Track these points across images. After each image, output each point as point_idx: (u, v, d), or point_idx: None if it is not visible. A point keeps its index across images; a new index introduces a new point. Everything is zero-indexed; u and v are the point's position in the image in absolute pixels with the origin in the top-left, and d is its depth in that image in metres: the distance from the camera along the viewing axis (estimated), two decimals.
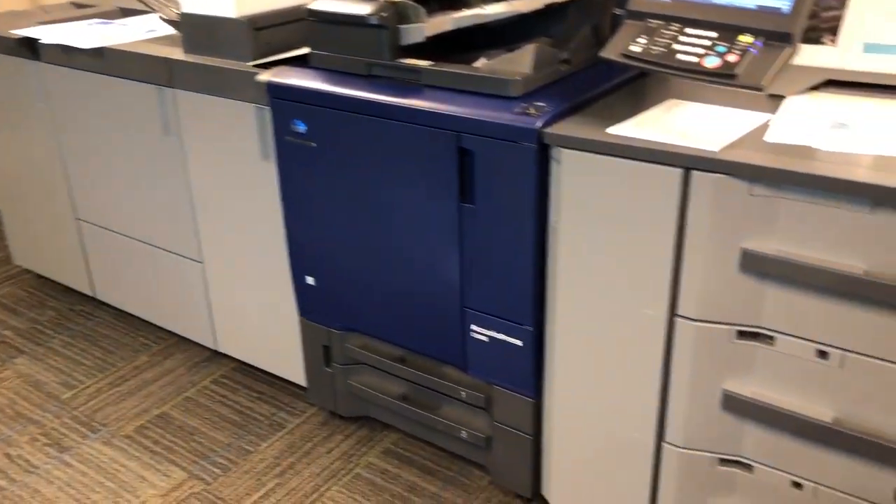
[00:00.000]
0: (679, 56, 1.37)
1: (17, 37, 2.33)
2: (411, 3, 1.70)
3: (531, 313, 1.64)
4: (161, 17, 2.17)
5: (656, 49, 1.40)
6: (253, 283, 2.18)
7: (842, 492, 1.39)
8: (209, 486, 1.98)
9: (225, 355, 2.43)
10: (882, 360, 1.28)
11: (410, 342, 1.89)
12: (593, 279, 1.52)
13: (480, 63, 1.70)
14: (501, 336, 1.70)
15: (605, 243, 1.48)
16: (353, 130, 1.73)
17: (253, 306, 2.21)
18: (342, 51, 1.76)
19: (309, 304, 2.04)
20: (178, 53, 2.07)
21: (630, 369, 1.53)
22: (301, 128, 1.81)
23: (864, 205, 1.22)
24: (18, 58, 2.43)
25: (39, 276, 2.96)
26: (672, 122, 1.45)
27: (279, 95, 1.82)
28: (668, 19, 1.42)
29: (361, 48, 1.72)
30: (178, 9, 2.19)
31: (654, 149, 1.35)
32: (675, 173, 1.35)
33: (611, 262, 1.48)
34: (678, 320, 1.44)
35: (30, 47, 2.36)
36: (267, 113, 1.89)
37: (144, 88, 2.14)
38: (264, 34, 1.95)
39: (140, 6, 2.73)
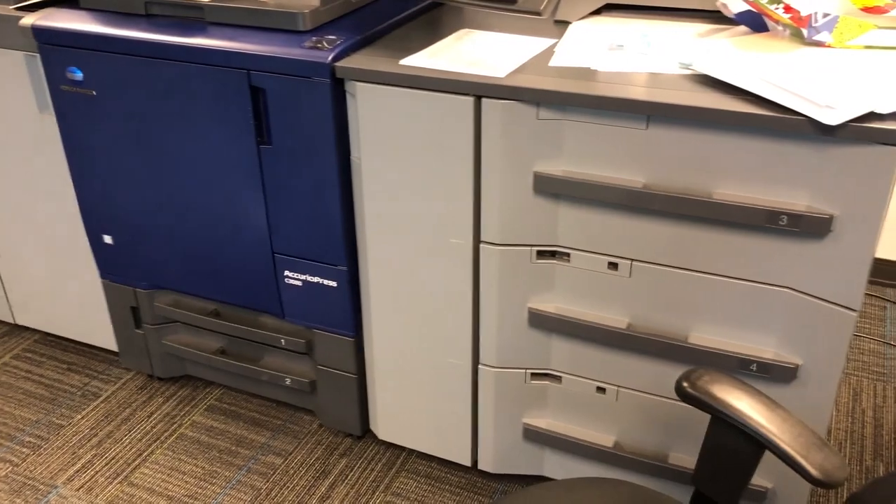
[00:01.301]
0: None
1: None
2: None
3: (343, 253, 1.62)
4: None
5: None
6: (46, 247, 2.01)
7: (640, 391, 1.50)
8: (17, 467, 1.85)
9: (25, 328, 2.25)
10: (665, 265, 1.38)
11: (223, 295, 1.83)
12: (400, 213, 1.52)
13: None
14: (316, 279, 1.68)
15: (407, 176, 1.48)
16: (136, 75, 1.61)
17: (49, 273, 2.05)
18: None
19: (109, 265, 1.91)
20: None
21: (442, 299, 1.56)
22: (77, 75, 1.66)
23: (640, 121, 1.29)
24: None
25: None
26: (463, 52, 1.46)
27: (49, 41, 1.66)
28: None
29: None
30: None
31: (445, 78, 1.36)
32: (467, 101, 1.36)
33: (415, 194, 1.49)
34: (483, 246, 1.48)
35: None
36: (39, 61, 1.73)
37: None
38: None
39: None
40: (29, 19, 1.66)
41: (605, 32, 1.52)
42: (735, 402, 0.95)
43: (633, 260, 1.40)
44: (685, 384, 1.00)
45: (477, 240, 1.48)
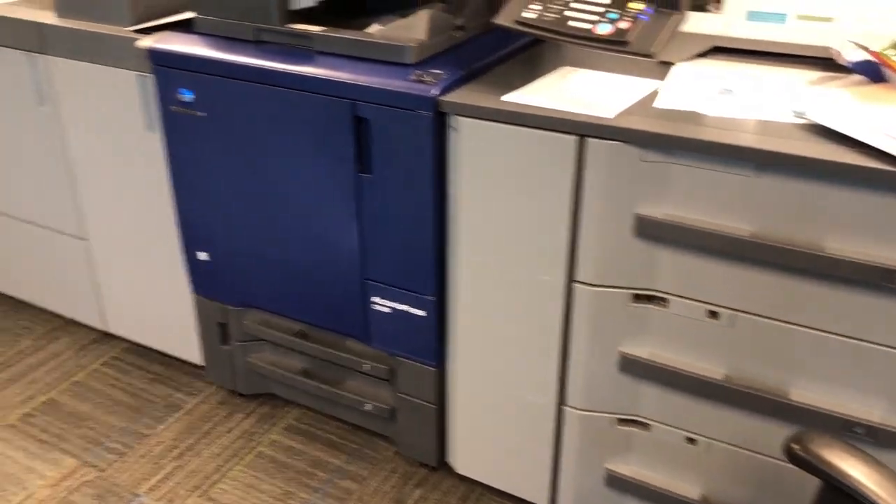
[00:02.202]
0: (571, 23, 1.37)
1: None
2: None
3: (433, 283, 1.63)
4: None
5: (549, 16, 1.39)
6: (142, 259, 2.08)
7: (733, 445, 1.45)
8: (103, 472, 1.90)
9: (116, 336, 2.32)
10: (768, 318, 1.34)
11: (310, 317, 1.85)
12: (493, 247, 1.52)
13: (374, 29, 1.66)
14: (403, 307, 1.68)
15: (503, 211, 1.48)
16: (244, 99, 1.66)
17: (144, 284, 2.12)
18: (229, 15, 1.68)
19: (202, 281, 1.96)
20: (49, 17, 1.93)
21: (530, 335, 1.55)
22: (187, 97, 1.72)
23: (749, 169, 1.26)
24: None
25: None
26: (566, 90, 1.45)
27: (163, 62, 1.72)
28: None
29: (249, 13, 1.65)
30: None
31: (549, 116, 1.35)
32: (570, 140, 1.35)
33: (509, 229, 1.48)
34: (576, 286, 1.46)
35: None
36: (150, 81, 1.79)
37: (14, 55, 1.99)
38: None
39: None
40: (146, 41, 1.73)
41: (711, 76, 1.49)
42: (852, 470, 0.91)
43: (734, 310, 1.36)
44: (796, 447, 0.96)
45: (570, 279, 1.46)
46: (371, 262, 1.68)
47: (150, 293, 2.12)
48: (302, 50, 1.62)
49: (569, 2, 1.40)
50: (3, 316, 2.48)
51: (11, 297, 2.48)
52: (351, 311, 1.76)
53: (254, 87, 1.63)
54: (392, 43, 1.55)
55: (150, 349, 2.28)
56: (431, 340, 1.69)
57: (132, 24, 1.83)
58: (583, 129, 1.34)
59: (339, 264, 1.72)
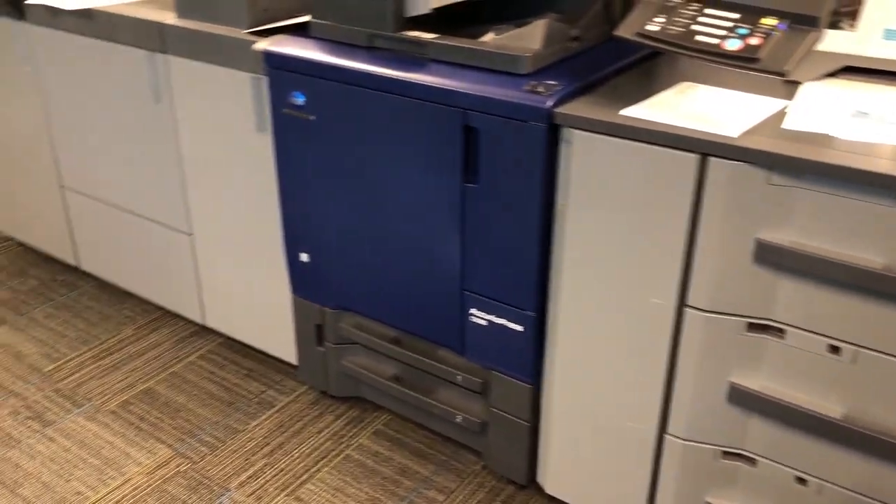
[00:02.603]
0: (699, 37, 1.32)
1: None
2: None
3: (534, 298, 1.60)
4: None
5: (674, 29, 1.35)
6: (244, 257, 2.12)
7: (849, 490, 1.37)
8: (196, 464, 1.93)
9: (213, 330, 2.37)
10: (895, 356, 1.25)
11: (406, 324, 1.85)
12: (600, 265, 1.47)
13: (488, 38, 1.64)
14: (502, 321, 1.66)
15: (614, 228, 1.43)
16: (354, 104, 1.67)
17: (243, 281, 2.16)
18: (344, 21, 1.69)
19: (302, 282, 1.98)
20: (170, 17, 1.99)
21: (634, 359, 1.50)
22: (300, 100, 1.74)
23: (886, 197, 1.18)
24: (5, 18, 2.33)
25: (21, 245, 2.88)
26: (687, 106, 1.40)
27: (277, 65, 1.75)
28: None
29: (364, 18, 1.66)
30: None
31: (670, 133, 1.31)
32: (691, 159, 1.30)
33: (619, 248, 1.44)
34: (687, 310, 1.40)
35: (15, 7, 2.27)
36: (264, 83, 1.82)
37: (134, 53, 2.06)
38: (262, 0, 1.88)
39: None
40: (262, 44, 1.76)
41: (844, 97, 1.41)
42: None
43: (858, 345, 1.28)
44: None
45: (681, 303, 1.41)
46: (471, 273, 1.66)
47: (249, 290, 2.16)
48: (414, 57, 1.62)
49: (696, 15, 1.35)
50: (109, 304, 2.57)
51: (117, 286, 2.57)
52: (447, 322, 1.75)
53: (365, 92, 1.64)
54: (506, 52, 1.53)
55: (246, 345, 2.32)
56: (528, 357, 1.66)
57: (249, 27, 1.86)
58: (705, 148, 1.29)
59: (439, 273, 1.70)
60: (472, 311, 1.69)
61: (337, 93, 1.68)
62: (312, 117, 1.74)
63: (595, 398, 1.59)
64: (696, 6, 1.36)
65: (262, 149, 1.91)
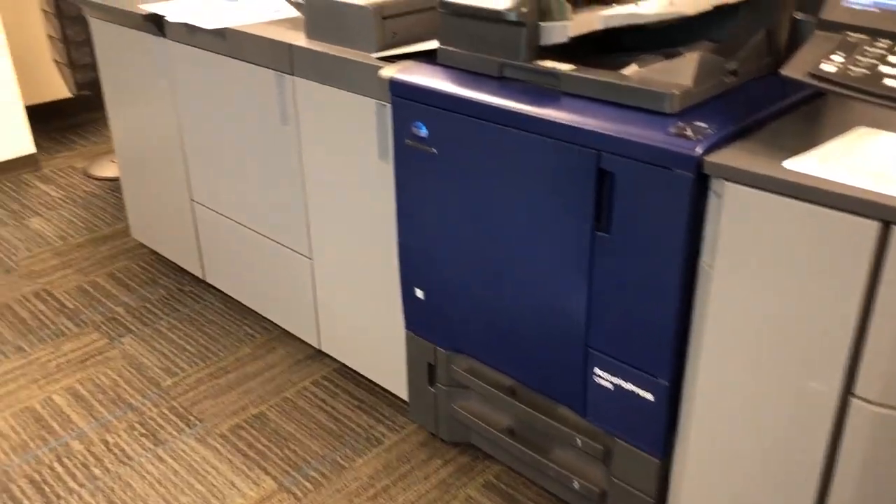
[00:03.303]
0: (888, 81, 1.11)
1: (144, 13, 2.27)
2: None
3: (668, 366, 1.42)
4: None
5: (857, 70, 1.14)
6: (361, 285, 2.04)
7: None
8: (299, 501, 1.87)
9: (327, 355, 2.31)
10: None
11: (523, 374, 1.71)
12: (749, 336, 1.28)
13: (631, 70, 1.48)
14: (629, 386, 1.49)
15: (769, 296, 1.23)
16: (479, 138, 1.55)
17: (359, 309, 2.08)
18: (474, 48, 1.57)
19: (416, 318, 1.88)
20: (300, 39, 1.94)
21: (783, 450, 1.29)
22: (422, 131, 1.64)
23: None
24: (146, 33, 2.37)
25: (154, 252, 2.95)
26: (866, 159, 1.19)
27: (402, 94, 1.65)
28: (875, 34, 1.16)
29: (495, 46, 1.53)
30: None
31: (845, 194, 1.10)
32: (871, 226, 1.09)
33: (774, 319, 1.24)
34: (853, 401, 1.19)
35: (157, 23, 2.30)
36: (388, 111, 1.74)
37: (264, 73, 2.03)
38: (391, 23, 1.79)
39: None
40: (389, 71, 1.67)
41: None
42: None
43: None
44: None
45: (846, 391, 1.19)
46: (597, 329, 1.50)
47: (364, 319, 2.08)
48: (547, 89, 1.48)
49: (884, 54, 1.13)
50: (231, 319, 2.57)
51: (239, 303, 2.57)
52: (568, 378, 1.59)
53: (491, 126, 1.51)
54: (650, 88, 1.36)
55: (358, 374, 2.25)
56: (658, 429, 1.48)
57: (378, 51, 1.78)
58: (888, 215, 1.07)
59: (561, 325, 1.55)
60: (596, 370, 1.53)
61: (461, 125, 1.56)
62: (434, 150, 1.63)
63: (734, 486, 1.39)
64: (885, 43, 1.14)
65: (384, 177, 1.82)
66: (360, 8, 1.77)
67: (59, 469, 1.97)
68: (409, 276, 1.84)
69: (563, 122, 1.40)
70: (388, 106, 1.73)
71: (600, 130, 1.35)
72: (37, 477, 1.95)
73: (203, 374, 2.32)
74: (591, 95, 1.42)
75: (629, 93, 1.38)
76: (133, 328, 2.54)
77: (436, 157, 1.63)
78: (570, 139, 1.40)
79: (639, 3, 1.53)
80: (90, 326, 2.55)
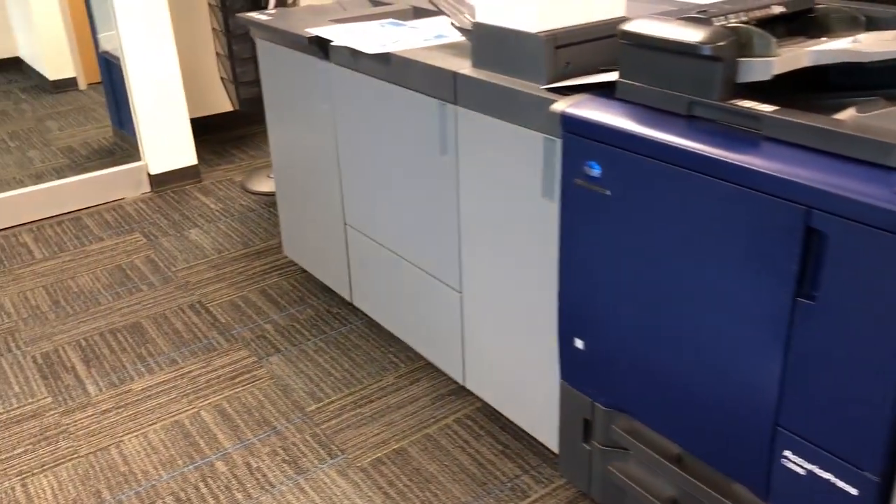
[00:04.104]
0: None
1: (310, 35, 2.27)
2: (758, 29, 1.34)
3: (879, 457, 1.22)
4: (452, 24, 1.98)
5: None
6: (512, 326, 1.93)
7: None
8: None
9: (471, 392, 2.22)
10: None
11: (694, 444, 1.54)
12: None
13: (847, 114, 1.29)
14: (827, 475, 1.29)
15: None
16: (661, 183, 1.40)
17: (508, 350, 1.98)
18: (659, 83, 1.43)
19: (573, 370, 1.75)
20: (465, 67, 1.86)
21: None
22: (595, 171, 1.51)
23: None
24: (310, 56, 2.38)
25: (304, 271, 2.97)
26: None
27: (574, 130, 1.54)
28: None
29: (684, 82, 1.39)
30: (472, 16, 1.99)
31: None
32: None
33: None
34: None
35: (321, 46, 2.30)
36: (558, 147, 1.62)
37: (426, 101, 1.97)
38: (564, 52, 1.68)
39: (429, 5, 2.59)
40: (561, 105, 1.56)
41: None
42: None
43: None
44: None
45: None
46: (791, 407, 1.31)
47: (513, 361, 1.97)
48: (744, 132, 1.32)
49: None
50: (376, 345, 2.53)
51: (385, 329, 2.52)
52: (749, 456, 1.41)
53: (676, 171, 1.37)
54: (873, 138, 1.17)
55: (503, 416, 2.14)
56: None
57: (548, 82, 1.67)
58: None
59: (747, 398, 1.38)
60: (787, 453, 1.35)
61: (641, 168, 1.43)
62: (608, 192, 1.50)
63: None
64: None
65: (546, 216, 1.71)
66: (531, 36, 1.67)
67: (204, 490, 1.98)
68: (568, 324, 1.71)
69: (767, 171, 1.23)
70: (558, 141, 1.62)
71: (812, 184, 1.18)
72: (182, 496, 1.97)
73: (347, 401, 2.28)
74: (799, 142, 1.25)
75: (846, 141, 1.20)
76: (281, 347, 2.54)
77: (609, 199, 1.50)
78: (773, 191, 1.23)
79: (858, 38, 1.34)
80: (240, 343, 2.58)
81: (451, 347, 2.19)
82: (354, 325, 2.64)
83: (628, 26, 1.46)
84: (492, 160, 1.83)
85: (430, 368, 2.39)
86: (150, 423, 2.22)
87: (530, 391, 1.94)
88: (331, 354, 2.50)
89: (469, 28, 1.91)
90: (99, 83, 5.76)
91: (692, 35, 1.36)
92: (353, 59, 2.18)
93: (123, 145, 4.33)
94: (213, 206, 3.62)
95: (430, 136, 2.00)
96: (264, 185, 3.80)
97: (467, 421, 2.18)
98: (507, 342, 1.97)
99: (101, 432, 2.19)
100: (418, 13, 2.63)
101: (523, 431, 2.09)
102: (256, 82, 3.64)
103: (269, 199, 3.66)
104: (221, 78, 3.76)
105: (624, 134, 1.44)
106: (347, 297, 2.65)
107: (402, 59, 2.00)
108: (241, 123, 4.61)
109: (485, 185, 1.88)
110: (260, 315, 2.73)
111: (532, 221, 1.76)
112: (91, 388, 2.38)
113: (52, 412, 2.28)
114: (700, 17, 1.44)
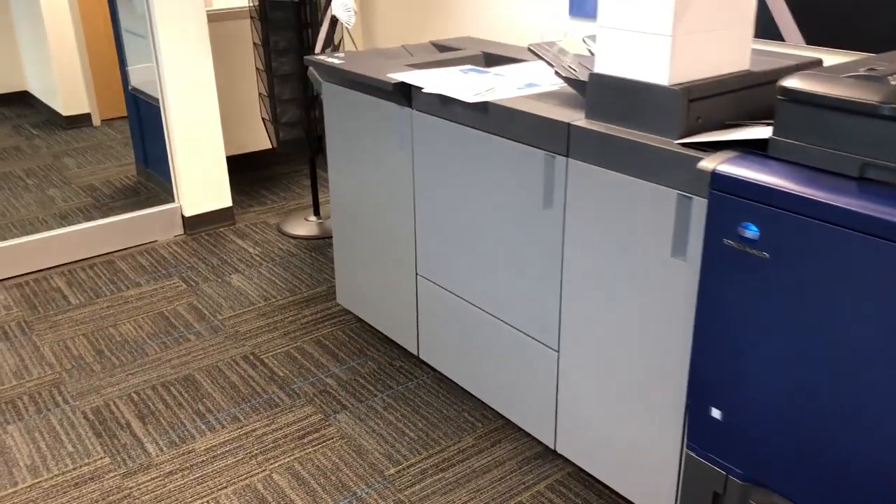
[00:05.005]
0: None
1: (395, 81, 2.19)
2: None
3: None
4: (557, 73, 1.91)
5: None
6: (620, 389, 1.83)
7: None
8: None
9: (560, 456, 2.11)
10: None
11: None
12: None
13: None
14: None
15: None
16: (830, 247, 1.32)
17: (612, 415, 1.87)
18: (825, 142, 1.36)
19: (705, 439, 1.65)
20: (577, 118, 1.79)
21: None
22: (751, 233, 1.43)
23: None
24: (389, 101, 2.30)
25: (359, 320, 2.86)
26: None
27: (727, 189, 1.45)
28: None
29: (858, 143, 1.32)
30: (576, 65, 1.92)
31: None
32: None
33: None
34: None
35: (402, 91, 2.22)
36: (696, 205, 1.54)
37: (529, 152, 1.89)
38: (696, 106, 1.61)
39: (503, 52, 2.53)
40: (711, 162, 1.48)
41: None
42: None
43: None
44: None
45: None
46: None
47: (620, 426, 1.87)
48: None
49: None
50: (448, 403, 2.41)
51: (455, 384, 2.41)
52: None
53: (848, 234, 1.29)
54: None
55: (598, 481, 2.03)
56: None
57: (679, 137, 1.60)
58: None
59: None
60: None
61: (807, 231, 1.34)
62: (765, 254, 1.42)
63: None
64: None
65: (674, 276, 1.62)
66: (665, 89, 1.60)
67: None
68: (702, 392, 1.62)
69: None
70: (696, 199, 1.54)
71: None
72: None
73: (427, 464, 2.16)
74: None
75: None
76: (347, 404, 2.42)
77: (767, 262, 1.42)
78: None
79: None
80: (303, 398, 2.45)
81: (542, 409, 2.09)
82: (422, 381, 2.53)
83: (789, 83, 1.40)
84: (607, 215, 1.75)
85: (510, 428, 2.28)
86: (220, 486, 2.08)
87: (639, 459, 1.84)
88: (401, 412, 2.38)
89: (577, 77, 1.84)
90: (112, 119, 5.67)
91: (869, 94, 1.29)
92: (443, 106, 2.11)
93: (149, 185, 4.21)
94: (251, 249, 3.50)
95: (531, 189, 1.92)
96: (301, 228, 3.70)
97: (560, 487, 2.06)
98: (612, 406, 1.87)
99: (168, 497, 2.05)
100: (490, 59, 2.57)
101: (625, 500, 1.97)
102: (297, 124, 3.55)
103: (309, 243, 3.56)
104: (263, 118, 3.67)
105: (790, 195, 1.36)
106: (413, 350, 2.53)
107: (504, 108, 1.92)
108: (269, 163, 4.52)
109: (596, 241, 1.79)
110: (319, 368, 2.61)
111: (654, 281, 1.68)
112: (150, 448, 2.24)
113: (112, 474, 2.14)
114: (871, 76, 1.37)
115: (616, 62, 1.70)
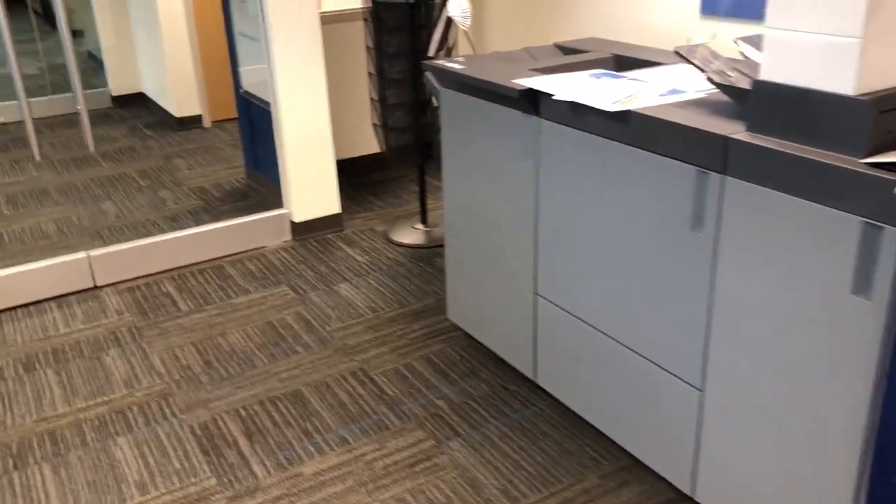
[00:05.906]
0: None
1: (521, 88, 2.02)
2: None
3: None
4: (710, 79, 1.70)
5: None
6: (778, 439, 1.61)
7: None
8: None
9: (696, 503, 1.89)
10: None
11: None
12: None
13: None
14: None
15: None
16: None
17: (768, 466, 1.65)
18: None
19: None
20: (736, 130, 1.58)
21: None
22: None
23: None
24: (512, 109, 2.13)
25: (470, 338, 2.71)
26: None
27: None
28: None
29: None
30: (731, 70, 1.70)
31: None
32: None
33: None
34: None
35: (528, 99, 2.05)
36: (886, 235, 1.31)
37: (677, 168, 1.69)
38: (889, 118, 1.38)
39: (636, 53, 2.33)
40: None
41: None
42: None
43: None
44: None
45: None
46: None
47: (775, 479, 1.64)
48: None
49: None
50: (568, 435, 2.23)
51: (575, 414, 2.23)
52: None
53: None
54: None
55: None
56: None
57: (866, 155, 1.37)
58: None
59: None
60: None
61: None
62: None
63: None
64: None
65: (848, 316, 1.39)
66: (850, 100, 1.37)
67: None
68: (893, 463, 1.38)
69: None
70: (886, 229, 1.31)
71: None
72: None
73: (548, 503, 1.99)
74: None
75: None
76: (460, 430, 2.27)
77: None
78: None
79: None
80: (413, 422, 2.31)
81: (680, 452, 1.88)
82: (538, 408, 2.35)
83: None
84: (771, 242, 1.53)
85: (638, 468, 2.08)
86: None
87: None
88: (518, 443, 2.21)
89: (735, 85, 1.63)
90: (222, 121, 5.74)
91: None
92: (574, 115, 1.92)
93: (258, 188, 4.20)
94: (359, 258, 3.41)
95: (677, 208, 1.71)
96: (408, 236, 3.58)
97: None
98: (767, 456, 1.65)
99: None
100: (621, 62, 2.37)
101: None
102: (407, 129, 3.43)
103: (416, 252, 3.43)
104: (374, 124, 3.57)
105: None
106: (529, 375, 2.36)
107: (648, 118, 1.73)
108: (376, 168, 4.43)
109: (756, 270, 1.57)
110: (430, 389, 2.47)
111: (828, 321, 1.45)
112: (258, 470, 2.15)
113: (219, 496, 2.06)
114: None
115: (787, 68, 1.48)
